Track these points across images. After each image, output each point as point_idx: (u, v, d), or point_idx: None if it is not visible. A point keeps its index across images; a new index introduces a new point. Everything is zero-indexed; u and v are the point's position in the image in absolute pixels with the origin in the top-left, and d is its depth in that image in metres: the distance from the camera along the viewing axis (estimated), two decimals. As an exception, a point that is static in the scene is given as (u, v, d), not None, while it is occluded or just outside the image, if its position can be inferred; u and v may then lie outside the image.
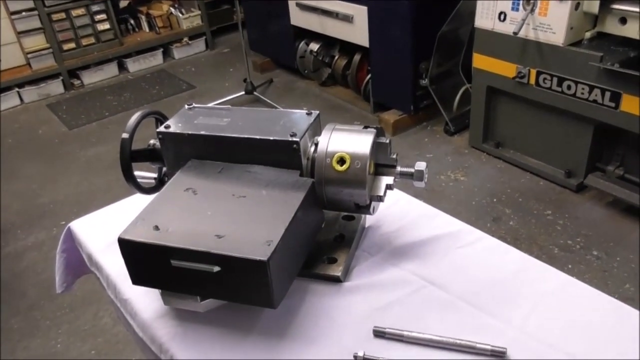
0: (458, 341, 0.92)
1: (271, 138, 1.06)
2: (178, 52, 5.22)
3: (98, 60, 4.92)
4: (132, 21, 5.21)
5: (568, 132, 2.85)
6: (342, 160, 1.03)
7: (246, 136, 1.08)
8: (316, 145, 1.09)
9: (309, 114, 1.15)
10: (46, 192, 3.47)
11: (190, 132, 1.11)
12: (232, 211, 1.00)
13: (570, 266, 2.47)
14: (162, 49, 5.17)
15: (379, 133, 1.08)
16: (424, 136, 3.56)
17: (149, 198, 1.31)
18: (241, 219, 0.98)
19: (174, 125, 1.14)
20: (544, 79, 2.77)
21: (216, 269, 0.91)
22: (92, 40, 4.88)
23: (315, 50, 4.08)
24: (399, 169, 1.08)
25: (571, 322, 0.94)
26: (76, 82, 4.90)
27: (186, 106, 1.23)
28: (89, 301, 2.57)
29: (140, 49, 5.07)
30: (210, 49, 5.38)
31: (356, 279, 1.08)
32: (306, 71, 4.28)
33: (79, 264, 1.38)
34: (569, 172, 2.92)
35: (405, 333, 0.95)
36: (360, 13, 3.49)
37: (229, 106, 1.23)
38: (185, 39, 5.20)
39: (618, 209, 2.78)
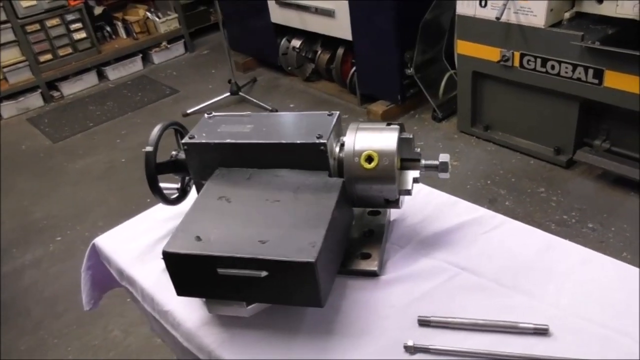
0: (501, 322, 0.97)
1: (298, 142, 1.09)
2: (158, 57, 5.18)
3: (77, 70, 4.86)
4: (108, 28, 5.14)
5: (555, 110, 2.92)
6: (370, 158, 1.07)
7: (273, 141, 1.10)
8: (342, 145, 1.12)
9: (330, 114, 1.17)
10: (38, 208, 3.43)
11: (216, 141, 1.13)
12: (269, 216, 1.03)
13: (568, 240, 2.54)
14: (141, 55, 5.12)
15: (402, 129, 1.11)
16: (413, 124, 3.61)
17: (170, 209, 1.34)
18: (280, 223, 1.01)
19: (198, 135, 1.16)
20: (528, 60, 2.84)
21: (264, 273, 0.93)
22: (69, 50, 4.81)
23: (298, 46, 4.09)
24: (423, 162, 1.11)
25: (603, 295, 0.99)
26: (55, 93, 4.83)
27: (206, 115, 1.25)
28: (97, 315, 2.55)
29: (118, 56, 5.02)
30: (189, 51, 5.35)
31: (391, 271, 1.12)
32: (289, 68, 4.29)
33: (106, 280, 1.40)
34: (558, 149, 3.00)
35: (449, 319, 0.99)
36: (342, 7, 3.51)
37: (249, 112, 1.24)
38: (164, 43, 5.16)
39: (607, 181, 2.87)
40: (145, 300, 1.21)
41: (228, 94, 4.13)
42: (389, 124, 1.11)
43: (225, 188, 1.11)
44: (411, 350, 0.95)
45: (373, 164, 1.06)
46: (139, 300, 1.24)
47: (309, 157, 1.09)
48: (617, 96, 2.56)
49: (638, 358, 0.88)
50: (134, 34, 5.13)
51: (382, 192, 1.08)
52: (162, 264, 1.21)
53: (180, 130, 1.28)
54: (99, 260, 1.38)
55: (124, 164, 3.73)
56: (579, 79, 2.66)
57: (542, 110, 2.98)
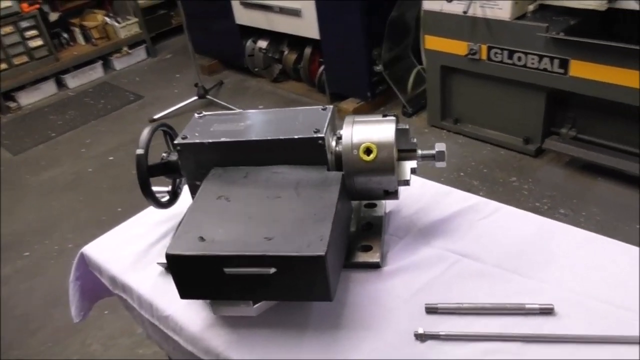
0: (507, 305, 0.98)
1: (296, 137, 1.08)
2: (119, 63, 5.07)
3: (34, 79, 4.72)
4: (65, 35, 5.01)
5: (522, 101, 2.99)
6: (368, 150, 1.07)
7: (270, 138, 1.09)
8: (338, 139, 1.12)
9: (324, 109, 1.17)
10: (3, 224, 3.30)
11: (211, 141, 1.11)
12: (272, 213, 1.02)
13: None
14: (101, 61, 5.01)
15: (397, 120, 1.12)
16: (383, 120, 3.63)
17: (160, 213, 1.32)
18: (283, 219, 1.00)
19: (190, 136, 1.14)
20: (495, 53, 2.90)
21: (272, 270, 0.92)
22: (25, 58, 4.67)
23: (264, 47, 4.07)
24: (420, 152, 1.12)
25: (604, 273, 1.02)
26: (12, 104, 4.68)
27: (196, 115, 1.23)
28: (74, 330, 2.47)
29: (77, 63, 4.90)
30: (152, 56, 5.26)
31: (393, 262, 1.12)
32: (256, 69, 4.27)
33: (96, 290, 1.36)
34: (526, 139, 3.07)
35: (456, 305, 1.00)
36: (308, 6, 3.51)
37: (240, 110, 1.23)
38: (125, 48, 5.06)
39: (576, 168, 2.96)
40: (143, 306, 1.18)
41: (195, 97, 4.07)
42: (384, 116, 1.12)
43: (222, 187, 1.09)
44: (422, 337, 0.96)
45: (372, 156, 1.06)
46: (134, 307, 1.21)
47: (307, 152, 1.08)
48: (582, 85, 2.64)
49: (642, 331, 0.91)
50: (93, 40, 5.01)
51: (382, 183, 1.09)
52: (158, 269, 1.20)
53: (169, 132, 1.26)
54: (87, 270, 1.34)
55: (91, 174, 3.64)
56: (545, 70, 2.73)
57: (510, 101, 3.05)
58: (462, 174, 3.04)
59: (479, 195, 1.30)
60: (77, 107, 4.59)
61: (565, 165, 3.00)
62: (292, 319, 1.03)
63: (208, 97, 4.09)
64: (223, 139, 1.11)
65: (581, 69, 2.61)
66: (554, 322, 0.95)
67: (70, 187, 3.56)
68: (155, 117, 3.98)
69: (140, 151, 1.14)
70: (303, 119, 1.14)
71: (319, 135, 1.07)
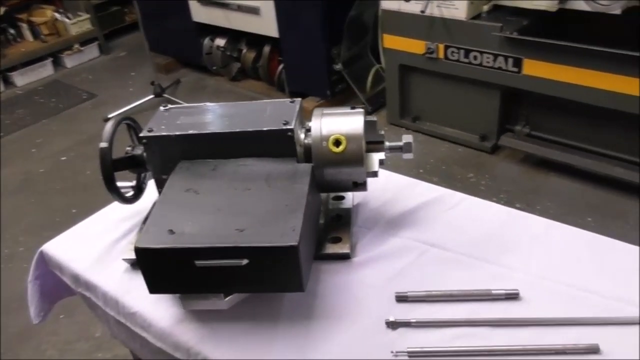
0: (474, 291, 1.01)
1: (265, 129, 1.08)
2: (70, 60, 4.92)
3: (-22, 77, 4.53)
4: (11, 30, 4.82)
5: (478, 99, 3.07)
6: (337, 142, 1.08)
7: (239, 130, 1.09)
8: (307, 131, 1.12)
9: (292, 102, 1.17)
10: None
11: (178, 133, 1.10)
12: (242, 204, 1.01)
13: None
14: (51, 59, 4.84)
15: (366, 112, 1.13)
16: (343, 119, 3.66)
17: (123, 209, 1.29)
18: (254, 210, 0.99)
19: (156, 128, 1.12)
20: (452, 52, 2.96)
21: (245, 262, 0.92)
22: (-32, 55, 4.48)
23: (222, 45, 4.04)
24: (387, 143, 1.14)
25: (567, 258, 1.06)
26: (-45, 103, 4.48)
27: (161, 108, 1.21)
28: (26, 337, 2.38)
29: (25, 60, 4.71)
30: (105, 53, 5.12)
31: (362, 253, 1.13)
32: (214, 67, 4.22)
33: (56, 289, 1.32)
34: (483, 136, 3.15)
35: (425, 293, 1.02)
36: (267, 4, 3.50)
37: (207, 103, 1.22)
38: (76, 45, 4.91)
39: (530, 163, 3.06)
40: (108, 304, 1.14)
41: (152, 96, 4.00)
42: (353, 108, 1.13)
43: (191, 180, 1.07)
44: (393, 325, 0.97)
45: (341, 148, 1.07)
46: (99, 306, 1.18)
47: (276, 144, 1.08)
48: (535, 83, 2.73)
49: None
50: (42, 37, 4.84)
51: (351, 175, 1.10)
52: (123, 265, 1.18)
53: (133, 126, 1.23)
54: (47, 269, 1.30)
55: (42, 175, 3.52)
56: (499, 68, 2.81)
57: (467, 99, 3.12)
58: (421, 170, 3.09)
59: (439, 191, 1.32)
60: (26, 105, 4.43)
61: (520, 161, 3.09)
62: (264, 311, 1.03)
63: (165, 95, 4.02)
64: (190, 132, 1.10)
65: (534, 68, 2.70)
66: (520, 306, 0.98)
67: (20, 188, 3.43)
68: (110, 115, 3.87)
69: (104, 144, 1.11)
70: (271, 111, 1.14)
71: (288, 127, 1.07)
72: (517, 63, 2.74)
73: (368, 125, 1.12)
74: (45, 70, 4.83)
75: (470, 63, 2.91)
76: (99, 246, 1.24)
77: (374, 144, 1.14)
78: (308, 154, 1.10)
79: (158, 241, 0.94)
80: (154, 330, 1.05)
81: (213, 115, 1.16)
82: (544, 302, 0.98)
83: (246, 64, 4.03)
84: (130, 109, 3.90)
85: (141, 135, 1.12)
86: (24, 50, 4.79)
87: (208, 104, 1.21)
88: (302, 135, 1.12)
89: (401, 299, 1.02)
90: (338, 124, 1.09)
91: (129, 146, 1.20)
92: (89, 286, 1.19)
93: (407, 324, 0.97)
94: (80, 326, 2.38)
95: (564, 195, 2.80)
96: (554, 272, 1.03)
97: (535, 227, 1.15)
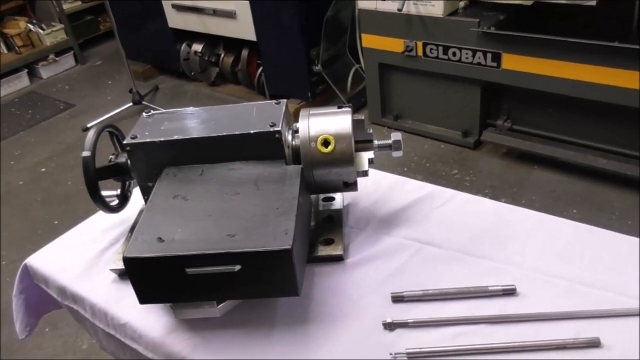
0: (471, 288, 1.00)
1: (252, 132, 1.06)
2: (45, 71, 4.83)
3: (-48, 91, 4.43)
4: (-16, 43, 4.73)
5: (459, 95, 3.08)
6: (326, 142, 1.06)
7: (225, 134, 1.06)
8: (294, 132, 1.10)
9: (277, 103, 1.16)
10: None
11: (162, 139, 1.07)
12: (232, 209, 0.99)
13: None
14: (26, 70, 4.75)
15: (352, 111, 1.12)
16: (325, 120, 3.65)
17: (108, 218, 1.26)
18: (245, 215, 0.97)
19: (140, 135, 1.09)
20: (431, 49, 2.96)
21: (237, 267, 0.90)
22: (-60, 69, 4.37)
23: (199, 50, 3.99)
24: (376, 142, 1.12)
25: (562, 252, 1.05)
26: None
27: (144, 114, 1.18)
28: (9, 353, 2.33)
29: (0, 72, 4.62)
30: (80, 63, 5.03)
31: (356, 254, 1.12)
32: (193, 73, 4.18)
33: (42, 303, 1.28)
34: (465, 132, 3.16)
35: (421, 292, 1.00)
36: (243, 7, 3.47)
37: (191, 107, 1.19)
38: (52, 55, 4.82)
39: (513, 157, 3.07)
40: (97, 316, 1.11)
41: (130, 104, 3.94)
42: (339, 107, 1.11)
43: (178, 186, 1.05)
44: (390, 326, 0.96)
45: (330, 148, 1.06)
46: (87, 318, 1.14)
47: (263, 146, 1.06)
48: (515, 77, 2.74)
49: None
50: (16, 48, 4.75)
51: (341, 175, 1.08)
52: (111, 276, 1.15)
53: (116, 133, 1.20)
54: (32, 283, 1.26)
55: (22, 187, 3.44)
56: (479, 64, 2.82)
57: (447, 96, 3.13)
58: (405, 169, 3.08)
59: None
60: (2, 118, 4.33)
61: (503, 156, 3.10)
62: (258, 316, 1.01)
63: (144, 102, 3.97)
64: (176, 137, 1.07)
65: (513, 62, 2.71)
66: (517, 302, 0.97)
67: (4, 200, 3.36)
68: (89, 125, 3.81)
69: (86, 153, 1.09)
70: (257, 113, 1.12)
71: (276, 128, 1.05)
72: (496, 58, 2.75)
73: (356, 124, 1.11)
74: (21, 81, 4.74)
75: (449, 59, 2.91)
76: (85, 257, 1.21)
77: (363, 143, 1.12)
78: (297, 155, 1.08)
79: (147, 250, 0.91)
80: (145, 341, 1.03)
81: (198, 120, 1.14)
82: (542, 297, 0.97)
83: (225, 69, 4.00)
84: (109, 117, 3.83)
85: (125, 142, 1.09)
86: (-2, 62, 4.70)
87: (192, 108, 1.19)
88: (290, 137, 1.10)
89: (397, 299, 1.01)
90: (326, 124, 1.08)
91: (113, 154, 1.18)
92: (76, 298, 1.16)
93: (404, 325, 0.96)
94: (66, 339, 2.34)
95: (548, 188, 2.82)
96: (551, 266, 1.02)
97: (529, 221, 1.15)
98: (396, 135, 1.12)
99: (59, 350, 2.31)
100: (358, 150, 1.12)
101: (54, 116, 4.26)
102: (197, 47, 4.03)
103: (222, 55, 3.98)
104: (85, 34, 5.13)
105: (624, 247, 1.04)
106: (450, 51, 2.89)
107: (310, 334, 0.97)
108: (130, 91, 3.95)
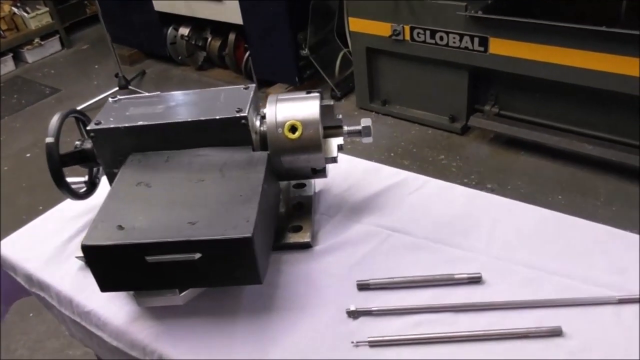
0: (437, 276, 0.99)
1: (218, 117, 1.04)
2: (31, 55, 4.78)
3: None
4: (-32, 27, 4.67)
5: (446, 80, 3.05)
6: (293, 128, 1.04)
7: (191, 119, 1.04)
8: (262, 117, 1.09)
9: (246, 88, 1.13)
10: None
11: (127, 125, 1.05)
12: (195, 196, 0.97)
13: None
14: (11, 54, 4.70)
15: (321, 96, 1.10)
16: (313, 105, 3.62)
17: (77, 205, 1.24)
18: (207, 202, 0.96)
19: (105, 121, 1.07)
20: (418, 33, 2.93)
21: (197, 256, 0.88)
22: None
23: (186, 34, 3.95)
24: (346, 128, 1.11)
25: (528, 240, 1.04)
26: None
27: (110, 99, 1.16)
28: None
29: (-16, 57, 4.58)
30: (66, 47, 4.98)
31: (324, 241, 1.11)
32: (180, 57, 4.14)
33: (12, 290, 1.27)
34: (452, 117, 3.14)
35: (387, 280, 0.99)
36: (230, -10, 3.43)
37: (158, 93, 1.17)
38: (37, 39, 4.77)
39: (500, 143, 3.06)
40: (62, 304, 1.10)
41: (116, 88, 3.90)
42: (308, 92, 1.09)
43: (142, 173, 1.03)
44: (354, 314, 0.95)
45: (297, 134, 1.04)
46: (54, 305, 1.13)
47: (230, 132, 1.04)
48: (502, 62, 2.72)
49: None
50: (1, 32, 4.69)
51: (310, 161, 1.07)
52: (77, 264, 1.13)
53: (82, 119, 1.18)
54: (1, 270, 1.25)
55: (7, 173, 3.41)
56: (466, 48, 2.79)
57: (435, 80, 3.11)
58: (392, 154, 3.07)
59: (410, 174, 1.30)
60: (-13, 103, 4.30)
61: (490, 141, 3.09)
62: (222, 304, 1.00)
63: (130, 87, 3.93)
64: (140, 123, 1.05)
65: (500, 47, 2.69)
66: (483, 290, 0.97)
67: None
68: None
69: (50, 140, 1.07)
70: (225, 99, 1.10)
71: (242, 114, 1.03)
72: (483, 42, 2.73)
73: (325, 109, 1.09)
74: (6, 66, 4.69)
75: (436, 44, 2.89)
76: (51, 245, 1.19)
77: (332, 129, 1.11)
78: (264, 141, 1.06)
79: (106, 237, 0.90)
80: (110, 329, 1.02)
81: (164, 105, 1.12)
82: (507, 285, 0.97)
83: (212, 53, 3.96)
84: (95, 102, 3.80)
85: (88, 128, 1.07)
86: (-18, 46, 4.64)
87: (160, 93, 1.17)
88: (258, 123, 1.08)
89: (363, 287, 1.00)
90: (293, 109, 1.06)
91: (78, 140, 1.16)
92: (43, 286, 1.14)
93: (368, 313, 0.95)
94: (50, 324, 2.33)
95: (534, 173, 2.81)
96: (517, 254, 1.02)
97: (500, 209, 1.14)
98: (366, 121, 1.10)
99: (43, 335, 2.31)
100: (327, 136, 1.11)
101: (39, 101, 4.22)
102: (184, 31, 3.98)
103: (209, 40, 3.94)
104: (71, 18, 5.06)
105: (591, 234, 1.03)
106: (438, 35, 2.86)
107: (274, 322, 0.96)
108: (117, 76, 3.91)
